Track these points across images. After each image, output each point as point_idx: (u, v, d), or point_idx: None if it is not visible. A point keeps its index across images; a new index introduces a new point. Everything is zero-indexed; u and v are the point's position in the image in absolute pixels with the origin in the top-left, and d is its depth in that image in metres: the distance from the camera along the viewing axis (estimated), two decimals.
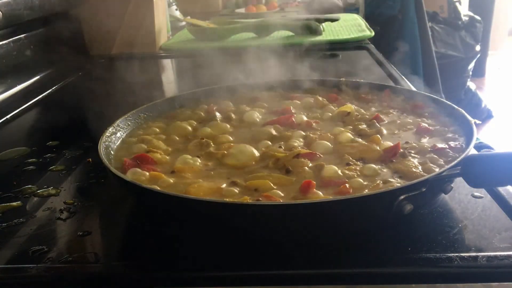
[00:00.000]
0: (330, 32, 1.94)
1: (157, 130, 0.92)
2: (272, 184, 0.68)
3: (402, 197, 0.58)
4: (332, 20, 1.99)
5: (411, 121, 0.89)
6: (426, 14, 3.12)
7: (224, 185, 0.69)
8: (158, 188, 0.67)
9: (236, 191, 0.67)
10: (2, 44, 1.25)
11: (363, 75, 1.32)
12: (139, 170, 0.74)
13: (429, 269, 0.58)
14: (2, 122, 1.16)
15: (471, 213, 0.68)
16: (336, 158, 0.76)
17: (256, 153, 0.78)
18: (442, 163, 0.71)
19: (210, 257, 0.61)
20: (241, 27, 1.94)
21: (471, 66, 3.95)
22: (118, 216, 0.75)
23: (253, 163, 0.76)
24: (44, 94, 1.38)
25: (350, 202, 0.58)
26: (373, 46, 1.77)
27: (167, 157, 0.80)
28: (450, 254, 0.59)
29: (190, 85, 1.26)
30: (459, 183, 0.69)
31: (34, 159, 0.95)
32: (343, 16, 2.20)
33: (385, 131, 0.85)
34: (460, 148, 0.75)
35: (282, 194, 0.66)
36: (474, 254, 0.59)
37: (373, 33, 1.88)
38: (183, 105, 1.03)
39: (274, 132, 0.87)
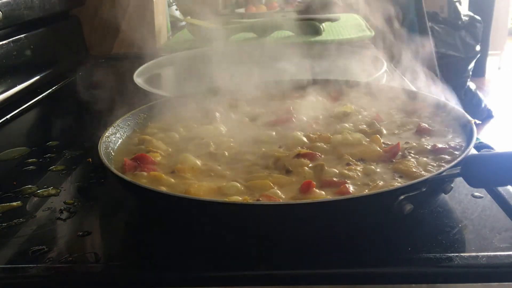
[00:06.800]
0: (330, 32, 1.94)
1: (157, 130, 0.92)
2: (272, 184, 0.68)
3: (402, 197, 0.58)
4: (332, 20, 1.98)
5: (411, 121, 0.89)
6: (426, 14, 3.12)
7: (224, 185, 0.69)
8: (158, 188, 0.67)
9: (236, 191, 0.67)
10: (2, 44, 1.24)
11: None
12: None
13: (429, 269, 0.58)
14: (2, 122, 1.16)
15: (471, 213, 0.68)
16: (336, 158, 0.76)
17: (251, 157, 0.78)
18: (442, 163, 0.71)
19: (210, 257, 0.61)
20: (241, 27, 1.94)
21: (471, 66, 3.95)
22: (118, 216, 0.75)
23: (250, 164, 0.76)
24: (44, 94, 1.38)
25: (350, 202, 0.58)
26: (373, 46, 1.77)
27: (167, 157, 0.80)
28: (450, 254, 0.59)
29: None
30: (459, 183, 0.69)
31: (34, 159, 0.95)
32: (343, 16, 2.20)
33: (385, 131, 0.85)
34: (460, 148, 0.75)
35: (282, 194, 0.66)
36: (474, 254, 0.59)
37: (373, 33, 1.88)
38: (183, 105, 1.03)
39: (274, 132, 0.87)
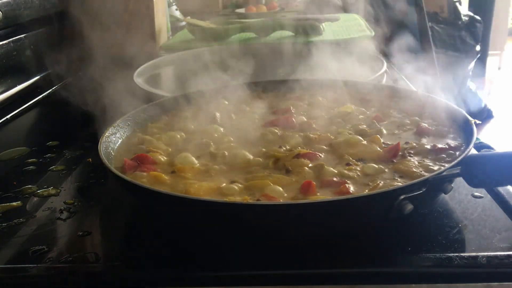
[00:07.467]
0: (330, 32, 1.94)
1: (157, 130, 0.92)
2: (272, 184, 0.68)
3: (402, 197, 0.58)
4: (332, 20, 1.98)
5: (411, 121, 0.89)
6: (426, 14, 3.12)
7: (224, 185, 0.69)
8: (158, 188, 0.67)
9: (236, 191, 0.67)
10: (2, 44, 1.24)
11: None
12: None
13: (429, 269, 0.58)
14: (2, 122, 1.16)
15: (471, 213, 0.68)
16: (336, 158, 0.76)
17: (250, 157, 0.77)
18: (442, 163, 0.71)
19: (210, 257, 0.61)
20: (241, 27, 1.94)
21: (471, 66, 3.95)
22: (118, 216, 0.75)
23: (250, 164, 0.76)
24: (44, 94, 1.38)
25: (350, 202, 0.58)
26: (373, 46, 1.77)
27: (167, 158, 0.80)
28: (450, 254, 0.59)
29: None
30: (459, 183, 0.69)
31: (34, 159, 0.95)
32: (343, 16, 2.20)
33: (385, 131, 0.85)
34: (460, 148, 0.75)
35: (283, 194, 0.66)
36: (474, 254, 0.59)
37: (373, 33, 1.88)
38: (183, 105, 1.03)
39: (273, 133, 0.87)
